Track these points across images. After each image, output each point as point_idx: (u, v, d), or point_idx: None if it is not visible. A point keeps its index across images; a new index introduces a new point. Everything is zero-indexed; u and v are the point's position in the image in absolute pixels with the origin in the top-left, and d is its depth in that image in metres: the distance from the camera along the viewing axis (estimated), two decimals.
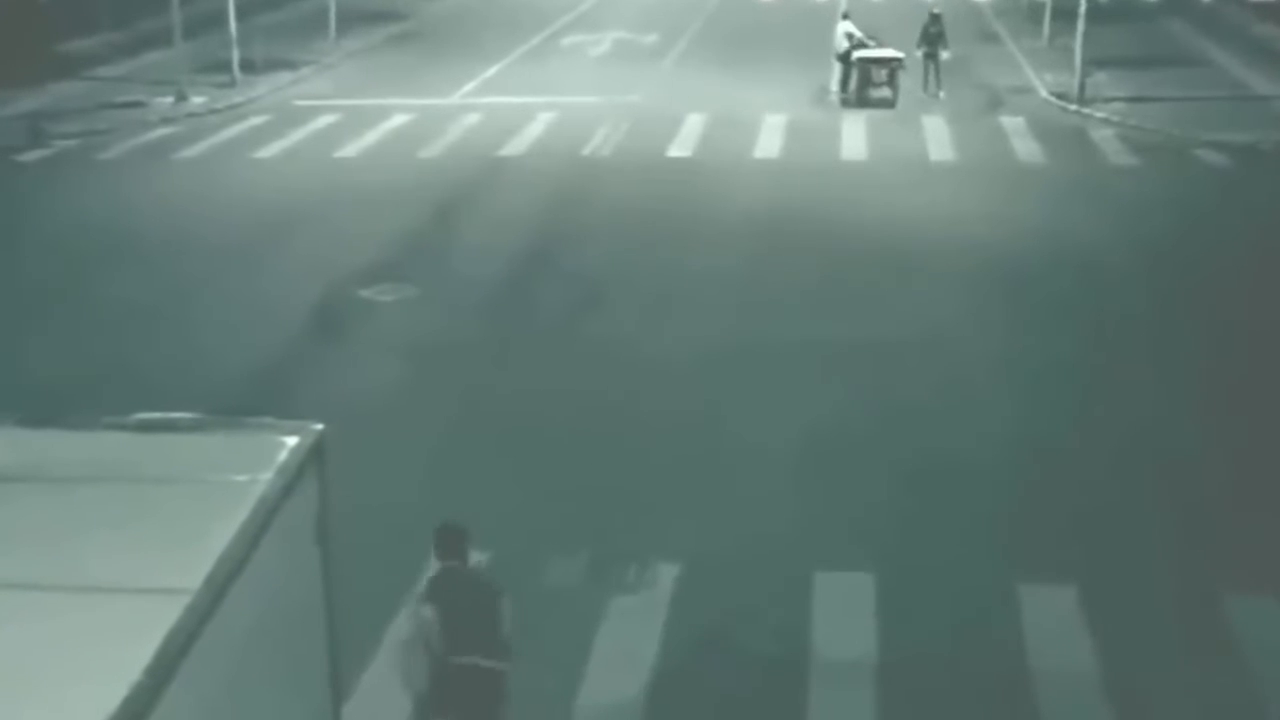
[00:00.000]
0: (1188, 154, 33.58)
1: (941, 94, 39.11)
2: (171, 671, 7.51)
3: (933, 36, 39.54)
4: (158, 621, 7.70)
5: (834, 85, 39.91)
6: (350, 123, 37.48)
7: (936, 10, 39.49)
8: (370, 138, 35.92)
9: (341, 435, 11.08)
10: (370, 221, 28.31)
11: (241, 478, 9.43)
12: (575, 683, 13.55)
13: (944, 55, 39.45)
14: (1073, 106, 38.13)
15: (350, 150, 34.70)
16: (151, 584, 8.21)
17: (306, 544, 10.15)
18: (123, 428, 10.22)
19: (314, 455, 10.10)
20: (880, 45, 39.89)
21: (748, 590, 15.02)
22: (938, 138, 34.94)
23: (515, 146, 34.87)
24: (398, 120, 37.79)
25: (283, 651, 9.62)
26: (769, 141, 35.12)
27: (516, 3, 58.53)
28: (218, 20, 42.74)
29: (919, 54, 39.54)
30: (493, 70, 45.61)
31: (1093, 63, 39.20)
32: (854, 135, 35.72)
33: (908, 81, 38.79)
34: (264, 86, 42.05)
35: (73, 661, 7.56)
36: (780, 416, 19.16)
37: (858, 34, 39.70)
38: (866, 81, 39.21)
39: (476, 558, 13.93)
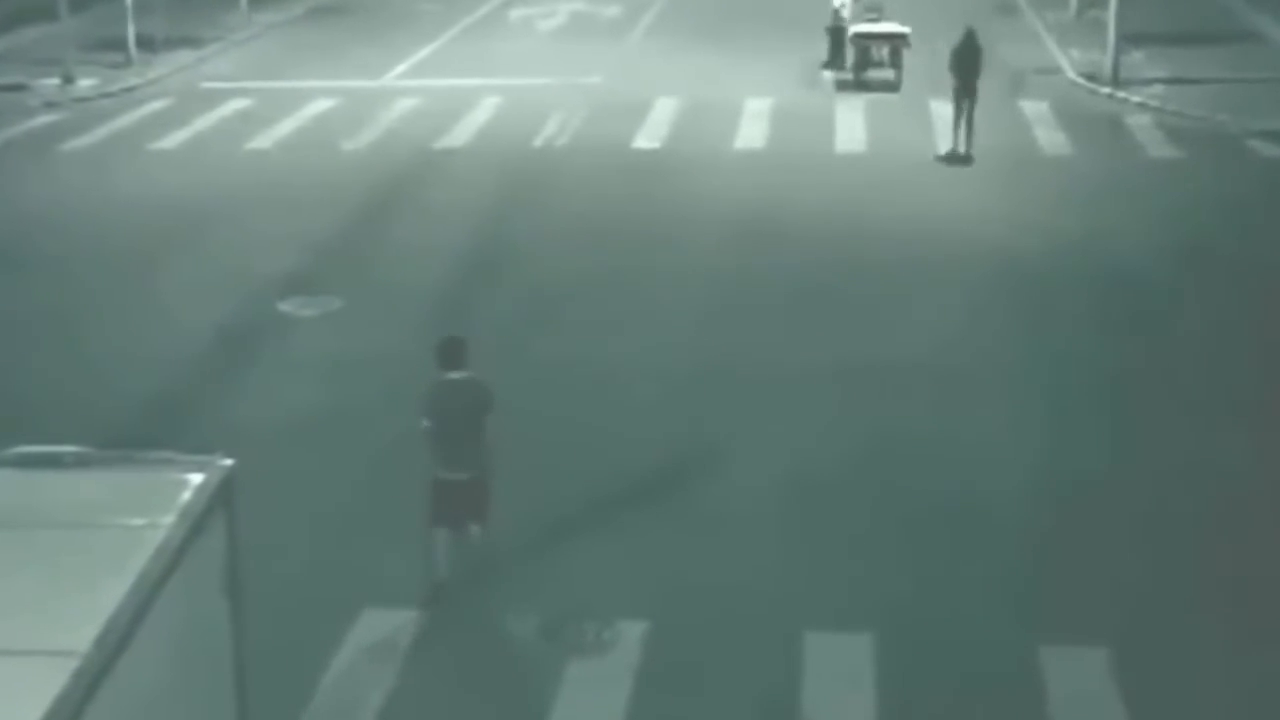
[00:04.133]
0: (1238, 145, 33.85)
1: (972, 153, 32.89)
2: None
3: (969, 61, 32.73)
4: (41, 688, 7.72)
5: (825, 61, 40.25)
6: (264, 109, 37.50)
7: (973, 27, 33.68)
8: (287, 126, 35.95)
9: (253, 472, 11.13)
10: (288, 223, 28.34)
11: (138, 521, 9.46)
12: None
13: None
14: (1105, 89, 38.40)
15: (264, 141, 34.72)
16: (33, 645, 8.23)
17: (213, 597, 10.18)
18: None
19: (221, 495, 10.14)
20: (882, 18, 40.11)
21: (726, 653, 15.04)
22: (948, 126, 35.02)
23: (455, 137, 34.96)
24: (319, 106, 37.84)
25: None
26: (751, 130, 35.27)
27: None
28: None
29: (951, 81, 33.12)
30: (429, 48, 45.70)
31: (1128, 39, 39.49)
32: (850, 123, 35.89)
33: (912, 60, 38.96)
34: (164, 67, 42.06)
35: None
36: (763, 450, 19.24)
37: (847, 8, 39.95)
38: (865, 61, 39.38)
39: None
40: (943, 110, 36.06)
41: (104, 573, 8.82)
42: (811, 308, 24.06)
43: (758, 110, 36.99)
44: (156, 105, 38.26)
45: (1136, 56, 40.32)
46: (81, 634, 8.20)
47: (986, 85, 33.10)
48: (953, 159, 32.86)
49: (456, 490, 15.53)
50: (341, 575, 16.14)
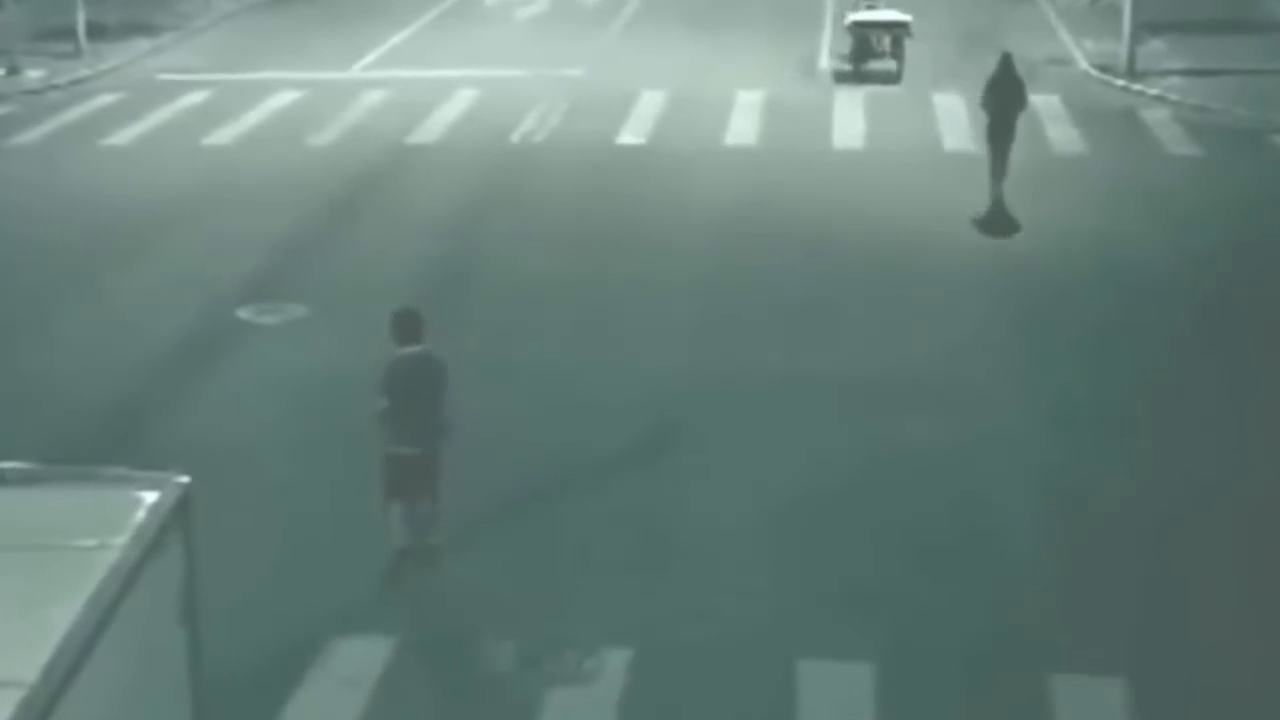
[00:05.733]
0: (1262, 141, 33.93)
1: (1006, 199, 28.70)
2: None
3: (1009, 94, 29.47)
4: None
5: (840, 51, 40.25)
6: (224, 102, 37.49)
7: (1009, 52, 30.95)
8: (249, 120, 35.95)
9: (211, 490, 11.13)
10: (248, 224, 28.32)
11: (88, 542, 9.45)
12: None
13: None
14: (1120, 82, 38.48)
15: (224, 136, 34.72)
16: None
17: (169, 624, 10.17)
18: None
19: (177, 515, 10.13)
20: (882, 6, 40.18)
21: (715, 684, 15.04)
22: (953, 121, 35.12)
23: (428, 132, 34.98)
24: (283, 98, 37.84)
25: None
26: (743, 125, 35.31)
27: None
28: None
29: (984, 119, 29.76)
30: (400, 37, 45.72)
31: (1146, 27, 39.54)
32: (849, 117, 35.93)
33: (915, 49, 38.98)
34: (117, 57, 42.03)
35: None
36: (754, 468, 19.24)
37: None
38: (865, 51, 39.39)
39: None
40: (947, 104, 36.17)
41: (52, 597, 8.81)
42: (807, 314, 24.08)
43: (750, 103, 37.02)
44: (108, 98, 38.24)
45: (1155, 46, 40.38)
46: (28, 662, 8.19)
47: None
48: (996, 225, 28.30)
49: (410, 465, 16.41)
50: (307, 600, 16.13)
